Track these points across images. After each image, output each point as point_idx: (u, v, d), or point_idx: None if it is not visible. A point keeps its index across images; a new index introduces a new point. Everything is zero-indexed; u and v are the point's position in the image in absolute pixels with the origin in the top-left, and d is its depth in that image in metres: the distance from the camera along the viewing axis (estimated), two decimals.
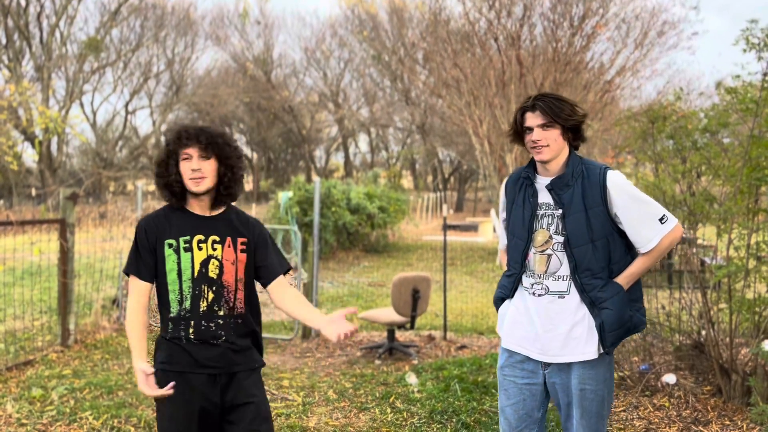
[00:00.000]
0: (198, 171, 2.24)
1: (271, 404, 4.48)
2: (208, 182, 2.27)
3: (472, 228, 21.87)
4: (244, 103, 33.95)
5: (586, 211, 2.30)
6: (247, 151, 40.07)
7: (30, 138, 24.73)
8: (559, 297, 2.36)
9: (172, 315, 2.27)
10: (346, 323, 2.29)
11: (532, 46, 15.16)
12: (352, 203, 14.35)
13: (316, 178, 6.96)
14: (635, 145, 4.36)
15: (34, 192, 24.89)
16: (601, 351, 2.32)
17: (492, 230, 19.06)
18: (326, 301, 8.83)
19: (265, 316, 7.89)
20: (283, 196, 12.64)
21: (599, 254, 2.30)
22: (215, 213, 2.35)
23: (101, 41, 28.16)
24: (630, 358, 4.74)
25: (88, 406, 4.36)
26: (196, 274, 2.26)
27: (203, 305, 2.27)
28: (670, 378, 4.44)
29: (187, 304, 2.26)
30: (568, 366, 2.39)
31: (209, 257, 2.28)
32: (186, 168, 2.25)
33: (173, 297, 2.27)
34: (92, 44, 27.23)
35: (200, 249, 2.28)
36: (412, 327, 5.87)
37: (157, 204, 10.87)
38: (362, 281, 10.93)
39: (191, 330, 2.26)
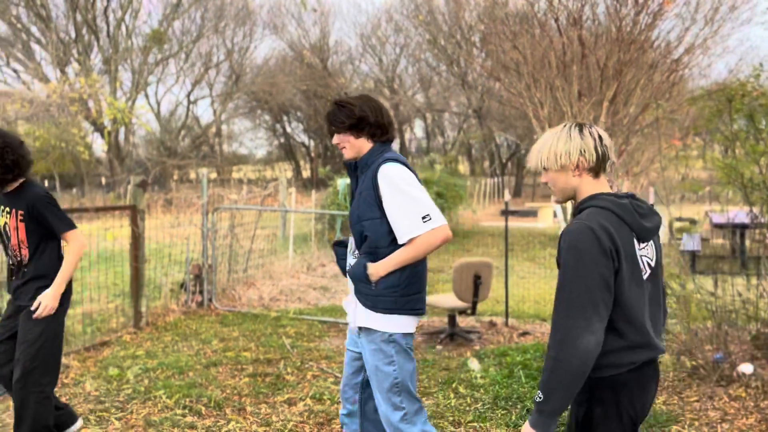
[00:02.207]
0: None
1: (335, 387, 4.54)
2: None
3: (532, 213, 21.51)
4: (301, 91, 34.31)
5: (360, 196, 2.57)
6: (303, 138, 40.56)
7: (99, 129, 25.73)
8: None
9: None
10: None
11: (595, 26, 14.68)
12: None
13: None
14: (710, 125, 4.17)
15: (103, 180, 25.94)
16: (367, 323, 2.56)
17: (552, 215, 18.69)
18: None
19: (326, 300, 8.00)
20: (341, 182, 12.72)
21: (368, 233, 2.55)
22: None
23: (164, 33, 28.95)
24: (703, 347, 4.58)
25: (161, 386, 4.54)
26: None
27: None
28: (746, 367, 4.26)
29: None
30: (360, 332, 2.65)
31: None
32: None
33: None
34: (156, 36, 28.03)
35: None
36: (473, 313, 5.83)
37: (222, 191, 11.14)
38: None
39: None
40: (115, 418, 4.03)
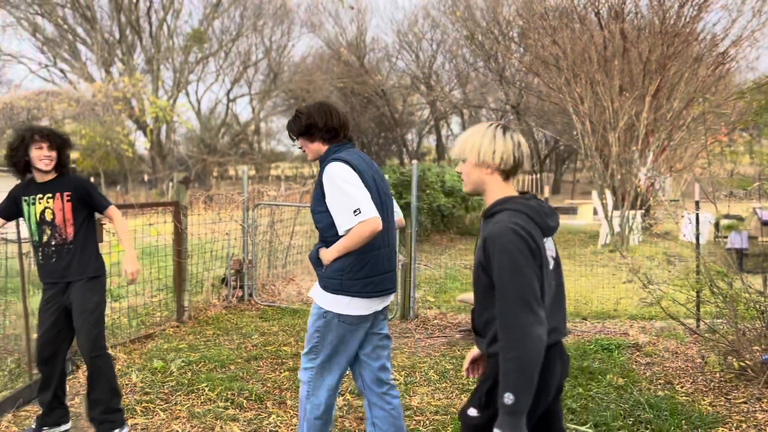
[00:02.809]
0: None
1: None
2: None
3: (571, 211, 21.21)
4: (338, 88, 34.48)
5: (314, 191, 2.88)
6: None
7: (142, 127, 26.32)
8: None
9: None
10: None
11: (637, 19, 14.37)
12: (447, 185, 14.27)
13: (414, 162, 6.95)
14: (759, 119, 4.04)
15: (146, 177, 26.53)
16: (315, 297, 2.93)
17: (592, 212, 18.40)
18: (423, 283, 8.86)
19: None
20: None
21: (319, 224, 2.88)
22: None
23: (204, 33, 29.44)
24: (751, 348, 4.45)
25: (203, 378, 4.63)
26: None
27: None
28: None
29: None
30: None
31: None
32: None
33: None
34: (196, 36, 28.52)
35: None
36: None
37: (262, 187, 11.28)
38: (458, 264, 10.88)
39: None
40: (161, 409, 4.13)
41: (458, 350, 5.46)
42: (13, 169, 3.56)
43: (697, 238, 5.59)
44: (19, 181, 3.65)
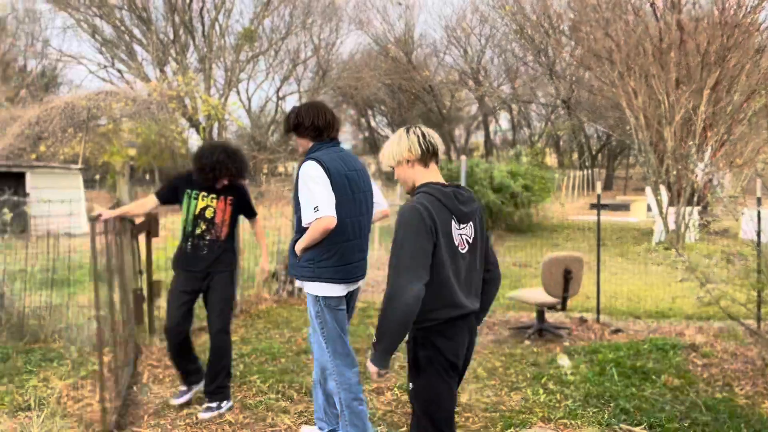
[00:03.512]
0: None
1: None
2: None
3: (624, 207, 20.73)
4: (386, 84, 34.52)
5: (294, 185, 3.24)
6: (388, 132, 40.80)
7: (195, 124, 26.97)
8: None
9: None
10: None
11: (695, 9, 13.91)
12: (495, 182, 14.14)
13: (462, 157, 6.90)
14: None
15: None
16: (302, 285, 3.24)
17: (646, 209, 17.92)
18: None
19: None
20: None
21: (296, 216, 3.22)
22: None
23: (255, 31, 29.92)
24: None
25: (255, 371, 4.73)
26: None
27: None
28: None
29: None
30: None
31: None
32: None
33: None
34: (247, 34, 29.01)
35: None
36: (563, 309, 5.70)
37: None
38: (507, 261, 10.78)
39: None
40: None
41: (507, 348, 5.42)
42: (197, 170, 3.97)
43: (759, 236, 5.39)
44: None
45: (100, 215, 3.79)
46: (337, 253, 3.13)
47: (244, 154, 4.10)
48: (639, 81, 12.73)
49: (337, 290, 3.17)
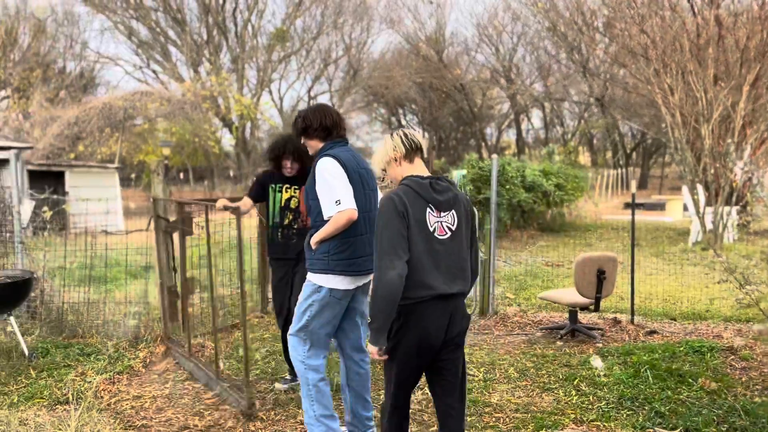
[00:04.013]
0: None
1: None
2: None
3: (659, 206, 20.34)
4: (416, 83, 34.46)
5: (308, 181, 3.36)
6: (418, 131, 40.72)
7: (227, 124, 27.31)
8: None
9: None
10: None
11: (733, 4, 13.56)
12: (527, 180, 13.99)
13: (494, 156, 6.84)
14: None
15: (231, 173, 27.52)
16: (309, 276, 3.31)
17: (682, 208, 17.55)
18: (502, 279, 8.75)
19: None
20: (457, 174, 12.67)
21: (311, 212, 3.35)
22: None
23: (287, 31, 30.17)
24: None
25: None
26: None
27: None
28: None
29: None
30: None
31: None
32: None
33: None
34: (279, 35, 29.27)
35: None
36: (596, 309, 5.61)
37: None
38: (538, 261, 10.67)
39: None
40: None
41: (539, 348, 5.36)
42: (271, 162, 4.33)
43: None
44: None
45: (232, 207, 4.04)
46: (351, 246, 3.23)
47: (302, 145, 4.31)
48: (675, 78, 12.46)
49: (346, 283, 3.26)
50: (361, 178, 3.31)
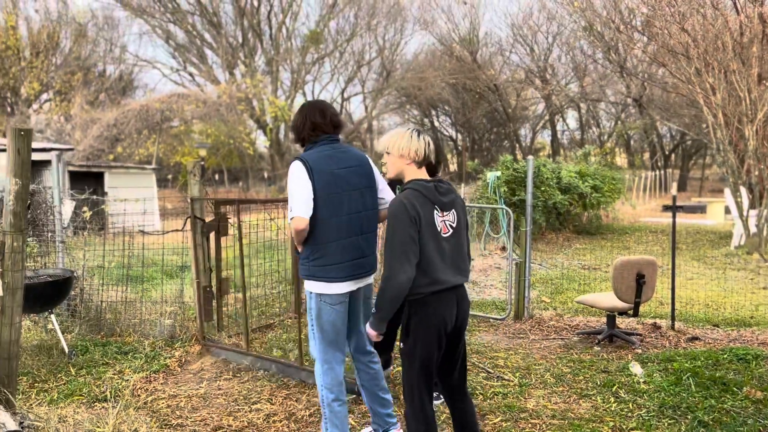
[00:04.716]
0: None
1: (487, 383, 4.51)
2: None
3: (699, 209, 19.86)
4: (450, 84, 34.30)
5: None
6: (451, 132, 40.54)
7: (262, 126, 27.58)
8: None
9: None
10: None
11: None
12: (563, 182, 13.79)
13: (529, 157, 6.73)
14: None
15: (266, 174, 27.78)
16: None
17: (724, 211, 17.09)
18: (537, 283, 8.62)
19: (476, 294, 7.94)
20: (491, 175, 12.56)
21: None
22: None
23: (321, 33, 30.35)
24: None
25: None
26: None
27: None
28: None
29: None
30: None
31: None
32: None
33: None
34: (313, 37, 29.46)
35: None
36: (635, 314, 5.48)
37: None
38: (574, 264, 10.49)
39: None
40: (281, 396, 4.29)
41: (576, 353, 5.26)
42: None
43: None
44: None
45: None
46: (324, 253, 3.16)
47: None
48: (717, 77, 12.14)
49: (334, 288, 3.20)
50: (338, 179, 3.17)
